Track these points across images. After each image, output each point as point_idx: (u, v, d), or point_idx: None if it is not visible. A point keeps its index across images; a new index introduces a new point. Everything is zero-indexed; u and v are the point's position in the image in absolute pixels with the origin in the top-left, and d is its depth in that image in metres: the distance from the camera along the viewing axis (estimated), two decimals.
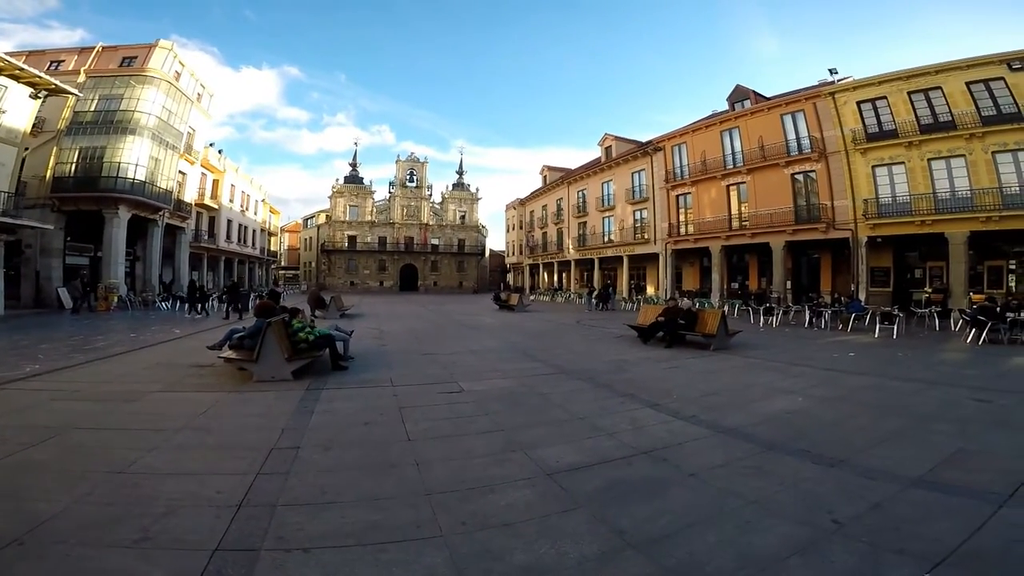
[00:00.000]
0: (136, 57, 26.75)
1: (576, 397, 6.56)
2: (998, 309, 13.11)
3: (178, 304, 22.99)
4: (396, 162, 61.07)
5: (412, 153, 61.79)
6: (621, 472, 3.95)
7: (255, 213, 50.28)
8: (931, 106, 20.22)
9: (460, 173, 65.15)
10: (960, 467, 4.02)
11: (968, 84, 19.17)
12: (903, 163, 20.86)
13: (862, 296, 21.02)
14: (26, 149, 20.29)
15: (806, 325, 16.89)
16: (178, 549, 2.70)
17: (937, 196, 19.84)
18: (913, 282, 23.51)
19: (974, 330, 12.67)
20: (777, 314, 18.50)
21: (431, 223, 61.49)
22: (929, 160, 20.14)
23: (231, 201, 42.57)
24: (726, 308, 19.62)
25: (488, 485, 3.67)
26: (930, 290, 21.87)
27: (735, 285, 30.02)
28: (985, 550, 2.74)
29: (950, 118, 19.54)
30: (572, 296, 36.47)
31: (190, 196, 33.26)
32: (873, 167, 21.80)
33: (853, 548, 2.77)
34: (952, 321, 16.40)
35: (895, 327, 14.19)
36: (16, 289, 21.38)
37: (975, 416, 5.63)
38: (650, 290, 34.13)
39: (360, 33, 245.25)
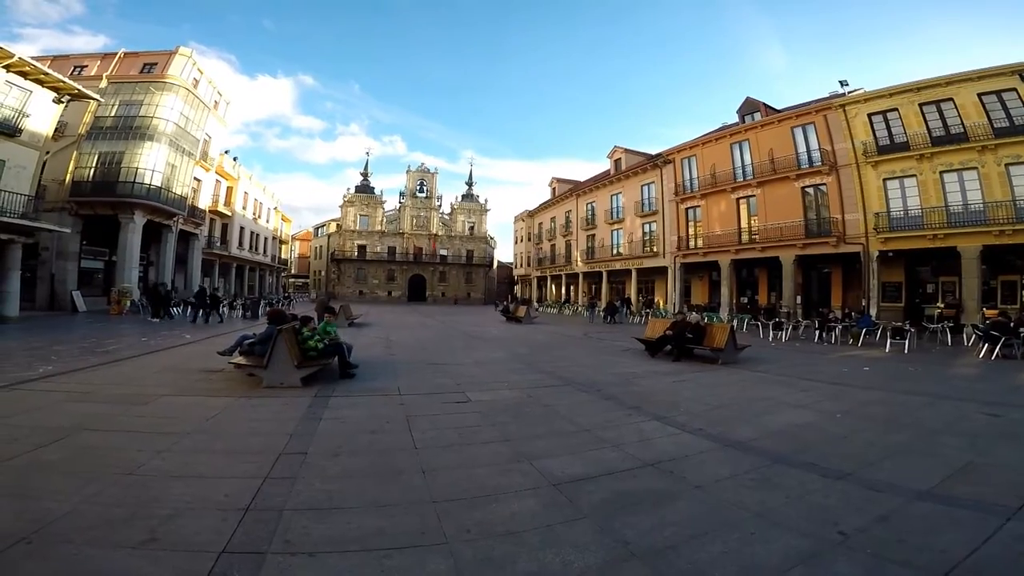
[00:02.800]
0: (156, 64, 27.29)
1: (582, 409, 6.55)
2: (1012, 324, 12.97)
3: (188, 309, 23.17)
4: (407, 172, 61.64)
5: (423, 164, 62.73)
6: (626, 483, 3.94)
7: (267, 221, 50.79)
8: (943, 118, 20.06)
9: (469, 184, 65.59)
10: (968, 480, 3.98)
11: (980, 95, 19.02)
12: (915, 176, 20.70)
13: (873, 311, 20.81)
14: (47, 153, 20.66)
15: (816, 340, 16.75)
16: (184, 551, 2.73)
17: (949, 209, 19.64)
18: (925, 297, 23.25)
19: (987, 345, 12.53)
20: (787, 329, 18.36)
21: (440, 233, 61.77)
22: (941, 173, 19.96)
23: (244, 208, 43.01)
24: (735, 322, 19.50)
25: (493, 494, 3.67)
26: (942, 305, 21.61)
27: (744, 299, 29.83)
28: (991, 562, 2.72)
29: (962, 130, 19.37)
30: (580, 309, 36.38)
31: (204, 203, 33.68)
32: (884, 180, 21.65)
33: (858, 560, 2.75)
34: (965, 336, 16.21)
35: (906, 342, 14.05)
36: (31, 291, 21.68)
37: (985, 430, 5.57)
38: (659, 303, 33.97)
39: (374, 44, 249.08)
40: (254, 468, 4.01)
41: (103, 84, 25.06)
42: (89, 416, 5.39)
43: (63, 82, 19.06)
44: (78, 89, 19.97)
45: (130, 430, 5.01)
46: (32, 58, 18.09)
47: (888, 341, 14.39)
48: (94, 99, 21.79)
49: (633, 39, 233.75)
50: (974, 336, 14.61)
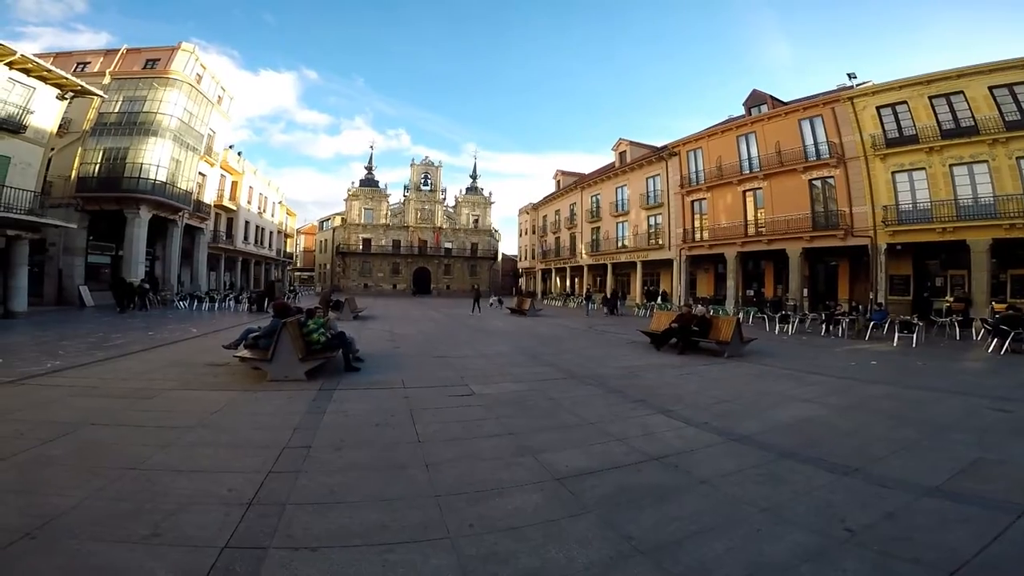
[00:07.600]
0: (159, 59, 27.34)
1: (586, 402, 6.53)
2: (1021, 318, 12.83)
3: (195, 303, 23.35)
4: (411, 166, 61.60)
5: (427, 157, 62.27)
6: (631, 478, 3.91)
7: (272, 215, 50.86)
8: (953, 111, 19.81)
9: (474, 177, 65.54)
10: (977, 477, 3.93)
11: (991, 88, 18.77)
12: (924, 169, 20.47)
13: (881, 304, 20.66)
14: (52, 149, 20.73)
15: (822, 333, 16.65)
16: (187, 546, 2.74)
17: (959, 203, 19.41)
18: (934, 290, 23.03)
19: (996, 339, 12.41)
20: (793, 322, 18.24)
21: (444, 226, 61.77)
22: (951, 166, 19.74)
23: (249, 203, 43.04)
24: (741, 315, 19.41)
25: (496, 488, 3.66)
26: (951, 299, 21.39)
27: (751, 292, 29.69)
28: (1001, 560, 2.68)
29: (973, 123, 19.13)
30: (584, 301, 36.17)
31: (209, 197, 33.75)
32: (893, 173, 21.42)
33: (865, 557, 2.72)
34: (974, 330, 16.06)
35: (914, 336, 13.93)
36: (39, 286, 21.83)
37: (994, 426, 5.51)
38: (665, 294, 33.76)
39: (376, 37, 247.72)
40: (258, 462, 4.01)
41: (106, 80, 25.13)
42: (95, 411, 5.42)
43: (66, 79, 19.10)
44: (81, 85, 20.00)
45: (135, 424, 5.03)
46: (35, 55, 18.13)
47: (896, 335, 14.27)
48: (98, 95, 21.83)
49: (637, 31, 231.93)
50: (983, 330, 14.47)
